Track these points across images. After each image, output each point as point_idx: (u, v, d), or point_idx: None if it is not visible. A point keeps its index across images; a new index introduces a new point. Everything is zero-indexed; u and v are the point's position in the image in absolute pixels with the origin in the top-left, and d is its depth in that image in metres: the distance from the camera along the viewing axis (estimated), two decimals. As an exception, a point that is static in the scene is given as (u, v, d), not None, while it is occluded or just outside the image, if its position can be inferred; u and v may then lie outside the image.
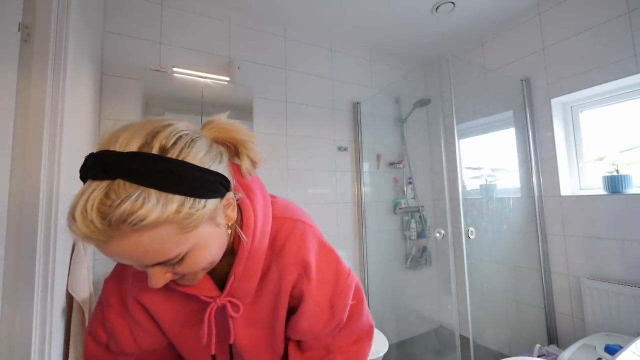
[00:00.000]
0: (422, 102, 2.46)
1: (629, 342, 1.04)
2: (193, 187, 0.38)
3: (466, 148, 2.43)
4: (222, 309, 0.50)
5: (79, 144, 1.28)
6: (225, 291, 0.49)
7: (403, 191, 2.56)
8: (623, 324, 1.54)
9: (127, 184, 0.34)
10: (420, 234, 2.49)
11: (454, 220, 1.76)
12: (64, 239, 1.10)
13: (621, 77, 1.61)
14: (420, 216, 2.51)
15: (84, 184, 0.37)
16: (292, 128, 2.18)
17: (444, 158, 1.85)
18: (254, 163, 0.51)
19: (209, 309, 0.49)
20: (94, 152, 0.39)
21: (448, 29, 2.28)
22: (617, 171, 1.66)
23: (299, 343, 0.60)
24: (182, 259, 0.40)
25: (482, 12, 2.09)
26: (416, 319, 2.42)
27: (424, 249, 2.53)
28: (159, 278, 0.40)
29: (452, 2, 1.96)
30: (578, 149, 1.92)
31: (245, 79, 2.00)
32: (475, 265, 1.87)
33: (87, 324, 1.19)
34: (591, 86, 1.73)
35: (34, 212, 0.97)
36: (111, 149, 0.37)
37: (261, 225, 0.49)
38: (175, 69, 1.78)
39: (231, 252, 0.50)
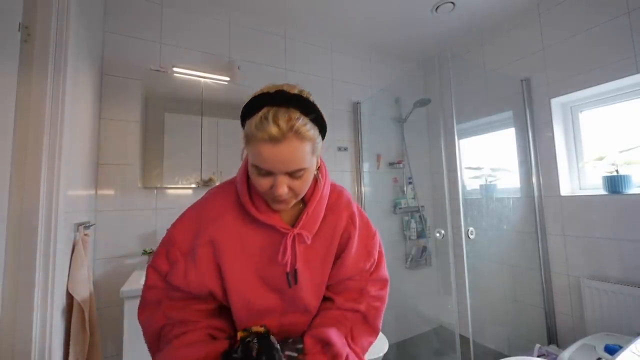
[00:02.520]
0: (422, 102, 2.46)
1: (629, 342, 1.04)
2: (322, 127, 0.59)
3: (466, 148, 2.43)
4: (290, 242, 0.61)
5: (79, 144, 1.28)
6: (299, 225, 0.63)
7: (403, 191, 2.56)
8: (623, 324, 1.54)
9: (297, 111, 0.53)
10: (420, 234, 2.49)
11: (454, 220, 1.76)
12: (64, 239, 1.10)
13: (621, 77, 1.61)
14: (420, 216, 2.51)
15: (257, 108, 0.55)
16: (292, 128, 2.17)
17: (444, 158, 1.85)
18: None
19: (288, 235, 0.61)
20: (271, 91, 0.56)
21: (448, 29, 2.28)
22: (617, 171, 1.66)
23: (335, 293, 0.71)
24: (300, 176, 0.56)
25: (482, 12, 2.09)
26: (416, 319, 2.42)
27: (424, 249, 2.53)
28: (284, 185, 0.55)
29: (452, 2, 1.96)
30: (578, 149, 1.92)
31: (245, 79, 2.00)
32: (475, 265, 1.87)
33: (87, 324, 1.20)
34: (591, 86, 1.73)
35: (34, 212, 0.97)
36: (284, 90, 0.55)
37: (328, 179, 0.70)
38: (175, 69, 1.78)
39: (302, 201, 0.66)
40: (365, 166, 2.41)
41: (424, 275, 2.56)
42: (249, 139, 0.56)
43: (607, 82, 1.66)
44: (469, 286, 1.69)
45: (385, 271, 0.75)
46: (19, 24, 0.96)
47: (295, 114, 0.53)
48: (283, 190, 0.55)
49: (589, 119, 1.90)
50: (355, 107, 2.43)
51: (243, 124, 0.60)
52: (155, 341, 0.64)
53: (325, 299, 0.70)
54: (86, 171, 1.41)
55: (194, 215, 0.65)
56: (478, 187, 2.27)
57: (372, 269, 0.72)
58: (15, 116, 0.96)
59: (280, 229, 0.61)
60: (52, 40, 1.02)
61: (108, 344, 1.51)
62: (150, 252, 1.61)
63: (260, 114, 0.53)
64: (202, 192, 1.93)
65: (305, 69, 2.27)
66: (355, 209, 0.72)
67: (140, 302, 0.66)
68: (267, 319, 0.64)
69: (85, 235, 1.29)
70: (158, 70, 1.73)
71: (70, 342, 1.15)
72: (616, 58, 1.63)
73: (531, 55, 2.02)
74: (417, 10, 2.05)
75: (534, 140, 2.01)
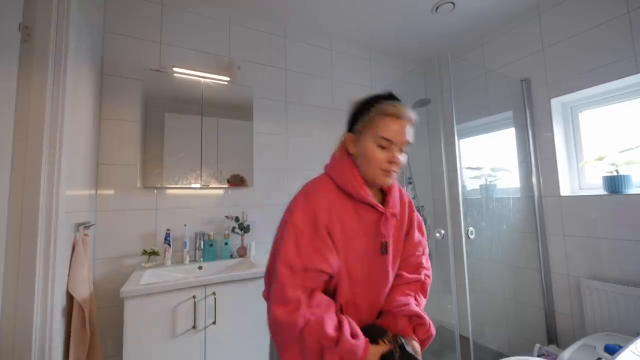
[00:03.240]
0: (422, 102, 2.45)
1: (629, 342, 1.04)
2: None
3: (466, 148, 2.43)
4: (385, 219, 0.78)
5: (79, 144, 1.28)
6: (388, 206, 0.79)
7: (403, 191, 2.55)
8: (623, 324, 1.54)
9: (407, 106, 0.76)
10: (420, 234, 2.48)
11: (454, 220, 1.76)
12: (64, 239, 1.10)
13: (621, 77, 1.61)
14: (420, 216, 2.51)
15: (376, 101, 0.76)
16: (292, 128, 2.18)
17: (444, 158, 1.85)
18: None
19: (387, 212, 0.78)
20: (391, 93, 0.79)
21: (448, 29, 2.28)
22: (617, 171, 1.66)
23: (401, 268, 0.87)
24: (405, 152, 0.76)
25: (482, 12, 2.09)
26: (416, 319, 2.42)
27: (424, 249, 2.53)
28: (399, 157, 0.74)
29: (452, 2, 1.96)
30: (578, 149, 1.92)
31: (245, 79, 2.00)
32: (475, 265, 1.87)
33: (87, 324, 1.20)
34: (591, 86, 1.73)
35: (34, 212, 0.97)
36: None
37: None
38: (175, 69, 1.78)
39: (378, 190, 0.82)
40: (365, 166, 2.40)
41: (424, 275, 2.55)
42: (375, 122, 0.74)
43: (607, 82, 1.66)
44: (469, 286, 1.69)
45: (427, 259, 0.93)
46: (19, 24, 0.96)
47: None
48: (402, 159, 0.75)
49: (589, 119, 1.90)
50: (355, 107, 2.42)
51: (355, 118, 0.78)
52: (295, 338, 0.64)
53: (395, 276, 0.86)
54: (86, 171, 1.41)
55: (308, 206, 0.74)
56: (478, 187, 2.27)
57: (422, 252, 0.90)
58: (15, 116, 0.96)
59: (379, 208, 0.77)
60: (52, 40, 1.02)
61: (108, 344, 1.51)
62: (150, 252, 1.61)
63: (387, 101, 0.75)
64: (203, 192, 1.89)
65: (305, 69, 2.27)
66: (408, 197, 0.91)
67: (277, 298, 0.66)
68: (360, 288, 0.76)
69: (85, 235, 1.29)
70: (158, 70, 1.73)
71: (70, 342, 1.15)
72: (616, 58, 1.63)
73: (531, 55, 2.02)
74: (417, 10, 2.05)
75: (534, 140, 2.01)
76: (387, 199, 0.80)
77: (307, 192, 0.77)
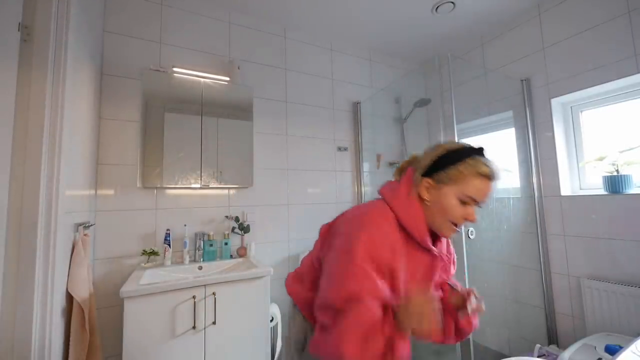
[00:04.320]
0: (422, 102, 2.45)
1: (629, 342, 1.04)
2: None
3: (466, 148, 2.43)
4: (438, 261, 0.81)
5: (79, 144, 1.28)
6: (439, 252, 0.80)
7: (403, 191, 2.55)
8: (623, 324, 1.54)
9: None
10: (420, 234, 2.48)
11: (454, 220, 1.76)
12: (64, 239, 1.10)
13: (621, 77, 1.61)
14: (420, 216, 2.50)
15: (466, 155, 0.74)
16: (292, 128, 2.18)
17: (444, 158, 1.84)
18: None
19: (441, 258, 0.80)
20: (474, 146, 0.77)
21: (448, 29, 2.28)
22: (617, 171, 1.66)
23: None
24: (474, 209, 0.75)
25: (482, 12, 2.09)
26: (416, 319, 2.42)
27: (424, 249, 2.53)
28: (474, 213, 0.74)
29: (452, 2, 1.96)
30: (578, 149, 1.92)
31: (245, 79, 2.00)
32: (475, 265, 1.86)
33: (87, 324, 1.19)
34: (591, 86, 1.73)
35: (34, 212, 0.97)
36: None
37: None
38: (175, 69, 1.78)
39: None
40: (365, 166, 2.41)
41: (424, 275, 2.55)
42: (463, 176, 0.72)
43: (607, 82, 1.66)
44: (469, 286, 1.68)
45: None
46: (19, 24, 0.96)
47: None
48: (475, 215, 0.74)
49: (589, 118, 1.90)
50: (355, 107, 2.43)
51: (439, 166, 0.75)
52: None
53: None
54: (86, 171, 1.41)
55: (370, 240, 0.70)
56: (478, 187, 2.26)
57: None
58: (15, 116, 0.96)
59: (436, 253, 0.79)
60: (52, 40, 1.02)
61: (108, 344, 1.51)
62: (150, 252, 1.61)
63: (480, 158, 0.74)
64: (203, 192, 1.89)
65: (305, 69, 2.27)
66: None
67: (348, 331, 0.62)
68: None
69: (85, 235, 1.29)
70: (158, 70, 1.73)
71: (70, 342, 1.15)
72: (616, 58, 1.63)
73: (531, 55, 2.02)
74: (417, 10, 2.04)
75: (534, 140, 2.01)
76: (437, 242, 0.82)
77: (370, 221, 0.73)
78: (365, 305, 0.64)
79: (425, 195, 0.76)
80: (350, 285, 0.65)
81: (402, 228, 0.74)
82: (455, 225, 0.75)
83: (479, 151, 0.75)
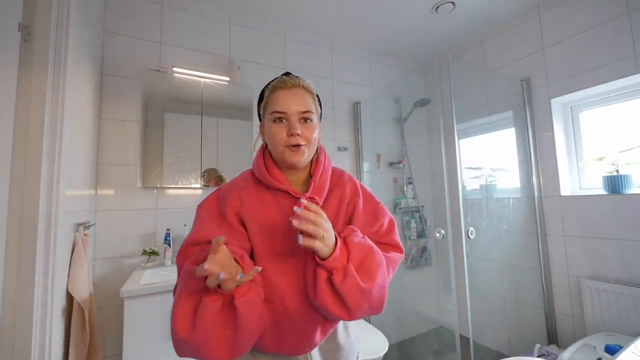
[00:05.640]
0: (422, 102, 2.46)
1: (629, 342, 1.04)
2: (319, 99, 0.79)
3: (466, 148, 2.43)
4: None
5: (79, 144, 1.28)
6: (310, 190, 0.72)
7: (403, 191, 2.56)
8: (623, 324, 1.54)
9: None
10: (420, 234, 2.49)
11: (454, 220, 1.76)
12: (64, 239, 1.10)
13: (621, 77, 1.61)
14: (420, 216, 2.51)
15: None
16: (292, 128, 2.17)
17: (444, 158, 1.85)
18: None
19: (301, 197, 0.69)
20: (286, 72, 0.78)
21: (448, 29, 2.28)
22: (617, 171, 1.66)
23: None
24: (310, 121, 0.71)
25: (482, 12, 2.09)
26: (416, 319, 2.42)
27: (424, 249, 2.53)
28: (297, 126, 0.69)
29: (452, 2, 1.96)
30: (578, 149, 1.92)
31: (245, 79, 2.00)
32: (475, 265, 1.87)
33: (87, 324, 1.20)
34: (591, 86, 1.73)
35: (34, 212, 0.97)
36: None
37: (329, 157, 0.83)
38: (175, 69, 1.78)
39: (308, 175, 0.77)
40: (365, 166, 2.41)
41: (424, 275, 2.56)
42: (268, 100, 0.73)
43: (607, 82, 1.66)
44: (469, 286, 1.69)
45: (396, 238, 0.79)
46: (19, 24, 0.96)
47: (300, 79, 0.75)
48: (298, 128, 0.68)
49: (589, 118, 1.90)
50: (355, 107, 2.43)
51: (259, 107, 0.77)
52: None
53: None
54: (86, 171, 1.41)
55: (217, 193, 0.76)
56: (478, 187, 2.27)
57: (381, 232, 0.77)
58: (15, 116, 0.96)
59: (292, 193, 0.71)
60: (52, 40, 1.02)
61: (108, 344, 1.51)
62: (150, 252, 1.61)
63: (278, 78, 0.74)
64: (203, 193, 1.89)
65: (305, 69, 2.27)
66: (358, 183, 0.83)
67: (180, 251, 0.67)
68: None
69: (85, 235, 1.29)
70: (158, 70, 1.73)
71: (70, 342, 1.15)
72: (616, 58, 1.63)
73: (531, 55, 2.02)
74: (417, 10, 2.05)
75: (534, 140, 2.01)
76: (310, 183, 0.74)
77: (224, 185, 0.79)
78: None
79: (263, 138, 0.77)
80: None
81: (260, 181, 0.75)
82: (292, 146, 0.69)
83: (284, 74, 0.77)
